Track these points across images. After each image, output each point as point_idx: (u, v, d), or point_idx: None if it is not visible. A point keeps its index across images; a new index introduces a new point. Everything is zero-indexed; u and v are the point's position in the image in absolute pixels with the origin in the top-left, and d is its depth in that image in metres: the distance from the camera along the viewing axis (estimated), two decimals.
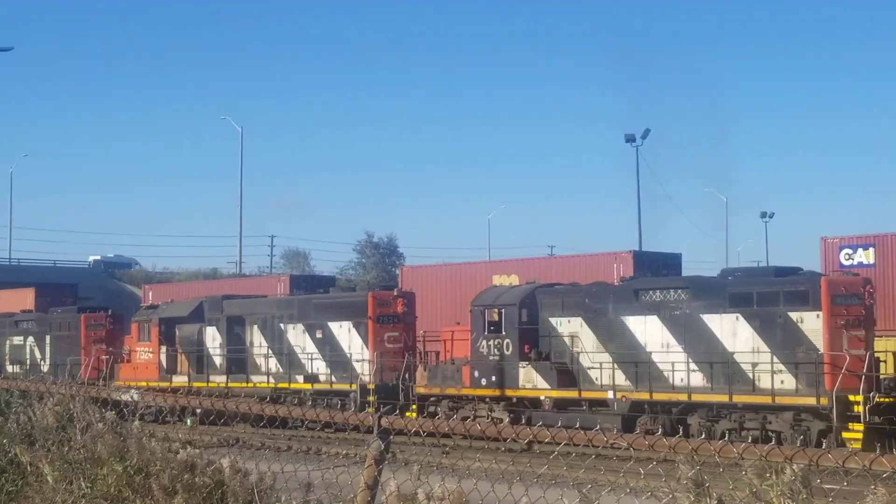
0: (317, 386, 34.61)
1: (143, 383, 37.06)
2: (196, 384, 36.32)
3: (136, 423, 8.38)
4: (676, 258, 36.41)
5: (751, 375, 25.72)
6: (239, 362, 37.02)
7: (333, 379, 34.37)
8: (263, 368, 36.24)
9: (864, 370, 24.15)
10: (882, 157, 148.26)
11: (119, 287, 74.75)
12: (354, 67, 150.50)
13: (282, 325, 36.04)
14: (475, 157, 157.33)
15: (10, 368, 45.00)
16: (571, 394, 28.70)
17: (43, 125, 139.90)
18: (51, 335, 44.34)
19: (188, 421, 29.99)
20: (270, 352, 36.17)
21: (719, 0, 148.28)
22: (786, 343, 25.36)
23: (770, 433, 25.23)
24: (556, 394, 28.86)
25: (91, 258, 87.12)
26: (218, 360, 37.58)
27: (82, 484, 7.68)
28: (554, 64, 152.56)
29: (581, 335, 28.84)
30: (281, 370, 35.75)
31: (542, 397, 29.10)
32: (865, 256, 30.10)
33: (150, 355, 39.13)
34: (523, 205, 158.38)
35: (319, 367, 34.99)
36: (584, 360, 28.64)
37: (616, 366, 27.87)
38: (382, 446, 5.71)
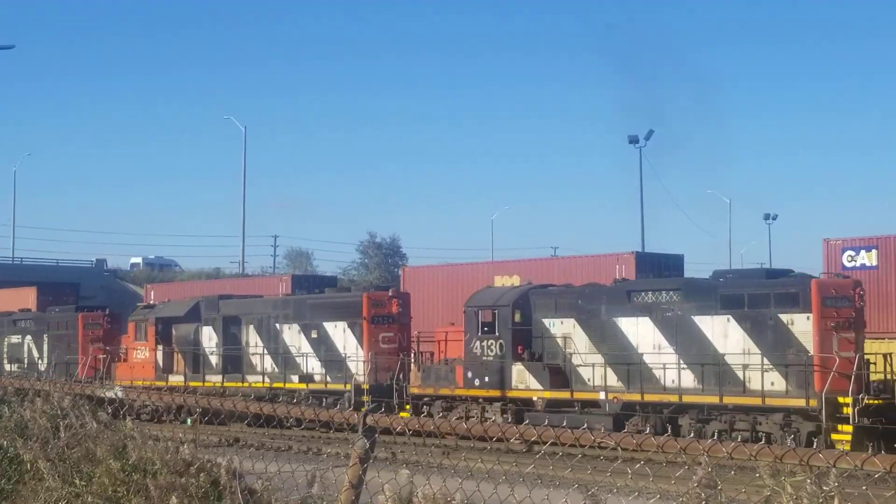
0: (312, 386, 34.44)
1: (140, 382, 36.86)
2: (192, 383, 36.17)
3: (129, 421, 8.24)
4: (678, 259, 36.16)
5: (741, 377, 25.59)
6: (235, 362, 36.86)
7: (328, 379, 34.22)
8: (259, 368, 36.08)
9: (854, 372, 24.03)
10: (884, 157, 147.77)
11: (122, 286, 74.56)
12: (357, 68, 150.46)
13: (277, 325, 35.88)
14: (479, 157, 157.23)
15: (8, 367, 44.83)
16: (563, 394, 28.56)
17: (46, 125, 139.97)
18: (49, 334, 44.16)
19: (188, 420, 29.78)
20: (266, 351, 36.02)
21: (721, 0, 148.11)
22: (776, 345, 25.24)
23: (760, 435, 25.11)
24: (548, 394, 28.72)
25: (133, 259, 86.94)
26: (214, 360, 37.42)
27: (77, 482, 7.53)
28: (557, 64, 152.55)
29: (574, 336, 28.71)
30: (276, 370, 35.59)
31: (534, 398, 28.96)
32: (868, 258, 29.91)
33: (147, 354, 38.96)
34: (527, 206, 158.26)
35: (314, 366, 34.84)
36: (577, 361, 28.50)
37: (608, 367, 27.74)
38: (367, 445, 5.56)
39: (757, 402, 25.13)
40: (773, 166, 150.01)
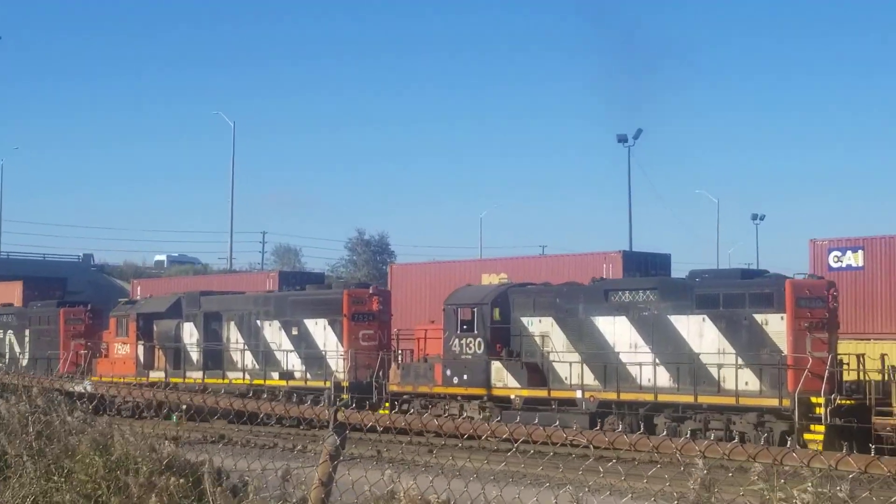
0: (292, 383, 34.23)
1: (121, 378, 36.56)
2: (173, 380, 35.90)
3: (105, 417, 8.07)
4: (666, 259, 35.87)
5: (716, 376, 25.56)
6: (215, 358, 36.61)
7: (308, 376, 34.02)
8: (239, 365, 35.84)
9: (827, 372, 24.02)
10: (873, 157, 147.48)
11: (109, 282, 74.04)
12: (348, 66, 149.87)
13: (258, 322, 35.65)
14: (468, 155, 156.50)
15: None
16: (541, 393, 28.47)
17: (34, 120, 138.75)
18: (30, 329, 43.78)
19: (174, 417, 29.52)
20: (247, 348, 35.77)
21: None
22: (750, 344, 25.22)
23: (734, 434, 25.08)
24: (525, 392, 28.61)
25: (157, 257, 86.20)
26: (195, 356, 37.15)
27: (56, 478, 7.34)
28: (547, 63, 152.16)
29: (552, 335, 28.62)
30: (257, 367, 35.35)
31: (512, 396, 28.85)
32: (854, 258, 29.77)
33: (128, 350, 38.67)
34: (516, 204, 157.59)
35: (295, 363, 34.63)
36: (554, 360, 28.42)
37: (585, 365, 27.66)
38: (338, 441, 5.42)
39: (731, 401, 25.09)
40: (762, 166, 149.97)
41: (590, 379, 27.65)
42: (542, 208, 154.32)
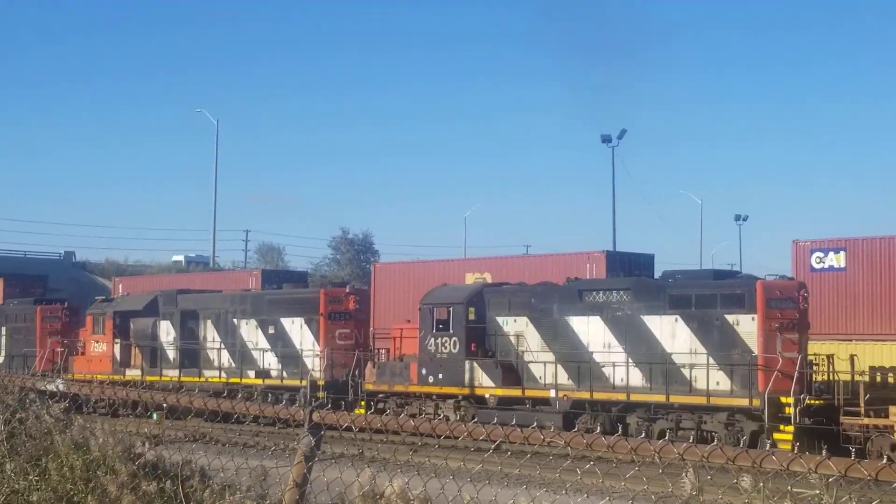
0: (268, 381, 34.04)
1: (97, 376, 36.24)
2: (149, 378, 35.60)
3: (79, 417, 7.91)
4: (649, 259, 35.59)
5: (688, 376, 25.56)
6: (192, 357, 36.35)
7: (284, 374, 33.83)
8: (216, 363, 35.60)
9: (796, 372, 24.05)
10: (860, 159, 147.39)
11: (90, 279, 73.29)
12: (333, 65, 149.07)
13: (235, 321, 35.42)
14: (452, 154, 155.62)
15: None
16: (515, 392, 28.40)
17: (19, 120, 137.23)
18: (7, 326, 43.32)
19: (154, 415, 29.23)
20: (223, 346, 35.54)
21: None
22: (722, 345, 25.23)
23: (705, 433, 25.08)
24: (500, 392, 28.53)
25: (174, 257, 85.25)
26: (171, 354, 36.88)
27: (30, 477, 7.17)
28: (532, 61, 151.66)
29: (526, 334, 28.55)
30: (233, 365, 35.12)
31: (486, 395, 28.77)
32: (836, 260, 29.62)
33: (105, 348, 38.34)
34: (500, 204, 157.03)
35: (271, 362, 34.43)
36: (529, 359, 28.36)
37: (559, 365, 27.60)
38: (313, 442, 5.30)
39: (702, 401, 25.10)
40: (746, 168, 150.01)
41: (564, 378, 27.59)
42: (527, 208, 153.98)
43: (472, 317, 29.55)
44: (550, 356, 27.81)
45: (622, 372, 26.58)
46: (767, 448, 23.28)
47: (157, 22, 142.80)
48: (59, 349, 40.16)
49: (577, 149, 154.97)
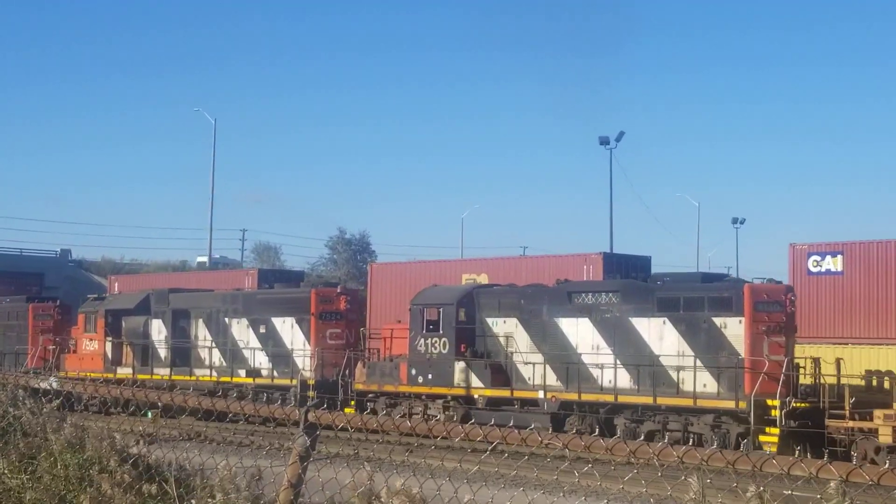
0: (258, 380, 33.90)
1: (89, 374, 36.08)
2: (140, 376, 35.42)
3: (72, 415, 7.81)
4: (646, 261, 35.34)
5: (675, 378, 25.52)
6: (183, 355, 36.19)
7: (275, 374, 33.70)
8: (207, 362, 35.44)
9: (783, 375, 24.02)
10: (856, 162, 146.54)
11: (87, 277, 72.78)
12: (330, 65, 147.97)
13: (226, 320, 35.27)
14: (450, 155, 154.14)
15: None
16: (504, 393, 28.32)
17: (15, 119, 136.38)
18: None
19: (148, 413, 29.01)
20: (214, 345, 35.39)
21: None
22: (709, 347, 25.19)
23: (692, 435, 25.05)
24: (489, 392, 28.46)
25: (199, 258, 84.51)
26: (163, 353, 36.70)
27: (20, 476, 7.04)
28: (532, 63, 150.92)
29: (516, 335, 28.48)
30: (224, 364, 34.97)
31: (475, 395, 28.69)
32: (833, 263, 29.30)
33: (96, 346, 38.15)
34: (497, 205, 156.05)
35: (262, 361, 34.29)
36: (518, 360, 28.28)
37: (548, 366, 27.53)
38: (308, 442, 5.22)
39: (689, 402, 25.06)
40: (743, 170, 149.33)
41: (552, 379, 27.52)
42: (524, 209, 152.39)
43: (462, 318, 29.47)
44: (539, 357, 27.74)
45: (610, 373, 26.52)
46: (750, 450, 23.26)
47: (155, 21, 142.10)
48: (50, 347, 39.97)
49: (575, 150, 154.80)
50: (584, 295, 27.59)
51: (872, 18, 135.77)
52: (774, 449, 23.26)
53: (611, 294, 27.19)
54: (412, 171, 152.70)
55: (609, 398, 26.37)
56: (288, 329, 33.76)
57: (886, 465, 3.71)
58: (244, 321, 34.81)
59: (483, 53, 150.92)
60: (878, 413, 22.85)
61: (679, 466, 4.46)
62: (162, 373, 35.70)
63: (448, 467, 5.70)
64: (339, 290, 34.50)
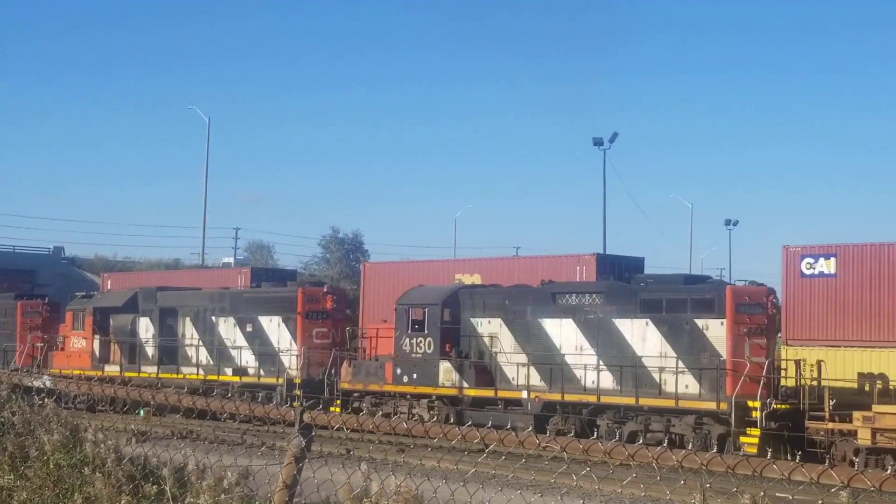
0: (245, 379, 33.72)
1: (76, 371, 35.83)
2: (128, 374, 35.17)
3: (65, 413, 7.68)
4: (639, 262, 34.93)
5: (657, 379, 25.49)
6: (170, 353, 35.98)
7: (262, 372, 33.53)
8: (194, 360, 35.25)
9: (764, 377, 24.01)
10: (851, 164, 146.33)
11: (79, 275, 72.19)
12: (324, 64, 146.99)
13: (213, 318, 35.09)
14: (444, 155, 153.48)
15: None
16: (488, 393, 28.24)
17: (9, 115, 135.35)
18: None
19: (141, 412, 28.84)
20: (201, 344, 35.20)
21: None
22: (691, 349, 25.17)
23: (674, 436, 25.01)
24: (473, 392, 28.38)
25: (224, 259, 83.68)
26: (150, 351, 36.49)
27: (10, 477, 6.89)
28: (528, 64, 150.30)
29: (500, 336, 28.40)
30: (211, 362, 34.78)
31: (459, 395, 28.60)
32: (827, 266, 29.00)
33: (84, 344, 37.90)
34: (491, 205, 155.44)
35: (248, 360, 34.12)
36: (502, 360, 28.21)
37: (531, 366, 27.47)
38: (303, 443, 5.12)
39: (671, 404, 25.01)
40: (737, 172, 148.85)
41: (536, 380, 27.45)
42: (518, 209, 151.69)
43: (447, 318, 29.38)
44: (523, 358, 27.68)
45: (593, 374, 26.47)
46: (731, 451, 23.26)
47: (149, 18, 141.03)
48: (39, 344, 39.69)
49: (569, 151, 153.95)
50: (567, 296, 27.53)
51: (867, 22, 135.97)
52: (755, 450, 23.23)
53: (594, 295, 27.15)
54: (406, 171, 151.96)
55: (592, 399, 26.31)
56: (274, 328, 33.61)
57: (889, 471, 3.65)
58: (231, 320, 34.64)
59: (478, 54, 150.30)
60: (856, 415, 22.86)
61: (665, 468, 4.40)
62: (149, 371, 35.47)
63: (443, 468, 5.61)
64: (325, 290, 34.37)
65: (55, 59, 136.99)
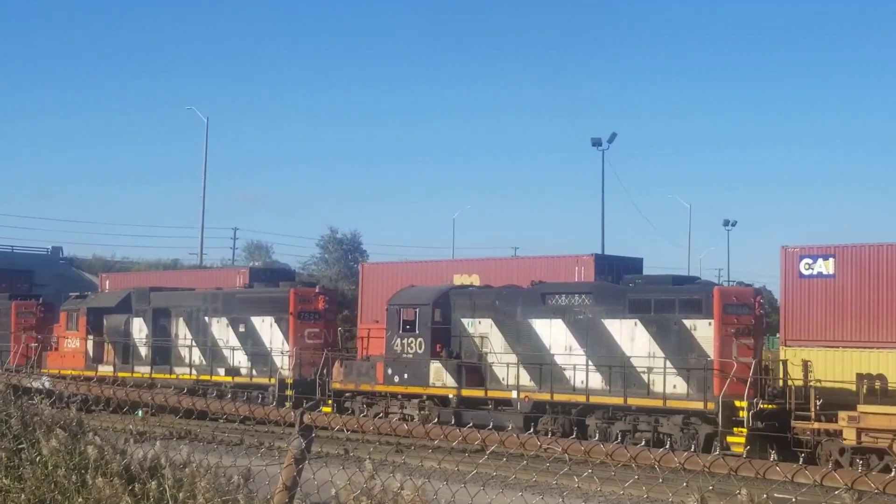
0: (237, 379, 33.61)
1: (70, 372, 35.67)
2: (121, 374, 35.01)
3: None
4: (638, 262, 34.80)
5: (646, 379, 25.47)
6: (163, 353, 35.84)
7: (254, 372, 33.42)
8: (187, 360, 35.11)
9: (751, 377, 24.00)
10: (850, 165, 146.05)
11: (77, 275, 71.73)
12: (323, 64, 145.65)
13: (206, 318, 34.96)
14: (442, 155, 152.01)
15: None
16: (478, 393, 28.18)
17: (7, 115, 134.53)
18: None
19: (139, 412, 28.67)
20: (194, 344, 35.06)
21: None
22: (679, 349, 25.15)
23: (662, 436, 24.98)
24: (463, 392, 28.31)
25: (252, 263, 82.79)
26: (143, 351, 36.34)
27: (6, 480, 6.79)
28: (525, 63, 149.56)
29: (490, 336, 28.35)
30: (204, 362, 34.66)
31: (450, 395, 28.53)
32: (825, 266, 28.78)
33: (78, 344, 37.72)
34: (489, 205, 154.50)
35: (241, 360, 34.00)
36: (492, 361, 28.15)
37: (521, 366, 27.42)
38: (303, 444, 5.06)
39: (659, 404, 24.99)
40: (735, 172, 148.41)
41: (525, 380, 27.41)
42: (516, 210, 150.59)
43: (437, 318, 29.31)
44: (513, 358, 27.63)
45: (582, 374, 26.43)
46: (718, 450, 23.25)
47: (147, 17, 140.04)
48: (32, 344, 39.50)
49: (568, 152, 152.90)
50: (557, 296, 27.49)
51: (867, 22, 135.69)
52: (741, 450, 23.21)
53: (584, 295, 27.12)
54: (404, 171, 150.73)
55: (581, 399, 26.27)
56: (267, 328, 33.50)
57: (893, 474, 3.61)
58: (224, 320, 34.53)
59: (477, 54, 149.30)
60: (842, 415, 22.86)
61: (667, 469, 4.34)
62: (142, 371, 35.33)
63: (443, 469, 5.55)
64: (317, 290, 34.28)
65: (53, 59, 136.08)
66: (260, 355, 33.27)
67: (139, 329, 36.53)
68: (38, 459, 6.17)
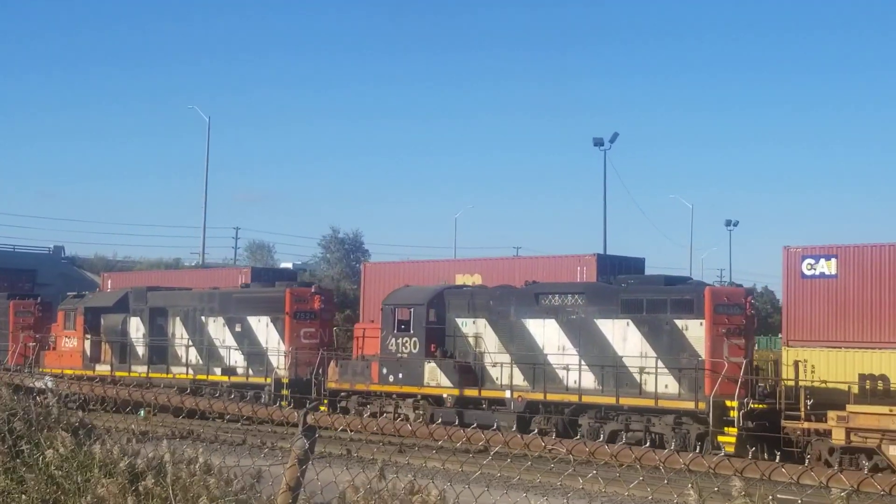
0: (234, 378, 33.50)
1: (68, 371, 35.54)
2: (118, 373, 34.90)
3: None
4: (640, 262, 34.57)
5: (638, 379, 25.44)
6: (160, 353, 35.73)
7: (250, 372, 33.33)
8: (183, 360, 35.00)
9: (741, 377, 23.99)
10: (851, 165, 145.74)
11: (79, 274, 71.50)
12: (324, 63, 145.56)
13: (203, 318, 34.86)
14: (444, 155, 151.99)
15: None
16: (471, 392, 28.12)
17: (9, 113, 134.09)
18: None
19: (141, 412, 28.50)
20: (191, 343, 34.96)
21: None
22: (671, 349, 25.14)
23: (654, 435, 24.96)
24: (457, 392, 28.26)
25: (282, 264, 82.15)
26: (140, 351, 36.24)
27: (8, 482, 6.71)
28: (527, 62, 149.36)
29: (485, 336, 28.30)
30: (200, 362, 34.55)
31: (444, 395, 28.48)
32: (827, 267, 28.58)
33: (75, 343, 37.60)
34: (491, 205, 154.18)
35: (237, 359, 33.91)
36: (486, 360, 28.11)
37: (515, 366, 27.38)
38: (307, 445, 5.01)
39: (650, 403, 24.97)
40: (738, 173, 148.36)
41: (519, 379, 27.37)
42: (518, 210, 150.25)
43: (432, 318, 29.25)
44: (507, 358, 27.58)
45: (575, 374, 26.40)
46: (709, 450, 23.23)
47: (149, 16, 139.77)
48: (31, 344, 39.38)
49: (570, 151, 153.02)
50: (550, 296, 27.46)
51: (867, 22, 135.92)
52: (732, 450, 23.20)
53: (577, 296, 27.09)
54: (405, 171, 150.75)
55: (574, 398, 26.24)
56: (263, 328, 33.42)
57: None
58: (220, 320, 34.44)
59: (478, 53, 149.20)
60: (831, 415, 22.85)
61: (672, 471, 4.30)
62: (139, 370, 35.20)
63: (446, 468, 5.50)
64: (313, 290, 34.20)
65: (54, 58, 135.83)
66: (256, 355, 33.19)
67: (136, 329, 36.43)
68: (43, 460, 6.11)
